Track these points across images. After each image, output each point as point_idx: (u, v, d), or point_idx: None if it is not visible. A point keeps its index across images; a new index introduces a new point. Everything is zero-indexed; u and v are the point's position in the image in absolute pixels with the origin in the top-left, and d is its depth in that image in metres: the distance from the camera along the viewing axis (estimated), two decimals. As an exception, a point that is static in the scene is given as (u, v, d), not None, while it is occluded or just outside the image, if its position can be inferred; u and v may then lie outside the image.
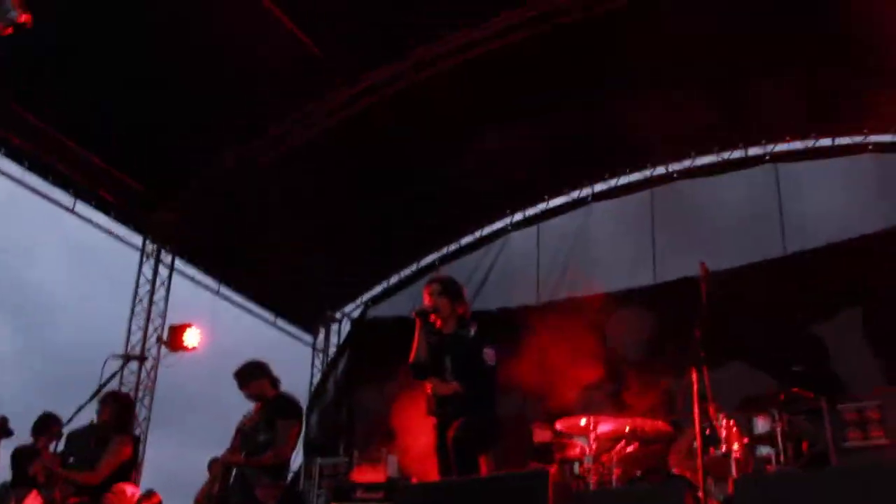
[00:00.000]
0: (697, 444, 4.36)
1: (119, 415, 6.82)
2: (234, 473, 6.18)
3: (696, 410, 4.31)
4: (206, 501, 6.15)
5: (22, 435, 7.73)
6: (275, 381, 6.52)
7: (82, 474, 6.46)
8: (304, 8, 10.27)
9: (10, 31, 3.85)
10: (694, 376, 4.40)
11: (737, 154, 13.10)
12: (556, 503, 3.63)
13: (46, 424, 7.65)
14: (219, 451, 6.45)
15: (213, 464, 6.75)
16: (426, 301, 5.71)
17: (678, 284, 11.34)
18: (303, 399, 15.61)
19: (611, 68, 11.41)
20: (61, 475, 6.41)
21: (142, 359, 11.35)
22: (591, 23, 10.61)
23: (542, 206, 14.77)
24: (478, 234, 15.35)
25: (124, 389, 12.06)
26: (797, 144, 12.70)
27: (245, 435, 6.26)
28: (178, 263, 13.69)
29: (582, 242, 13.89)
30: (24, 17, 3.87)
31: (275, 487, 6.06)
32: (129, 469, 6.89)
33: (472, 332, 5.59)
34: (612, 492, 5.65)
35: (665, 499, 3.81)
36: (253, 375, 6.48)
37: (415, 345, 5.63)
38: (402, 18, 10.59)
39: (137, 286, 12.93)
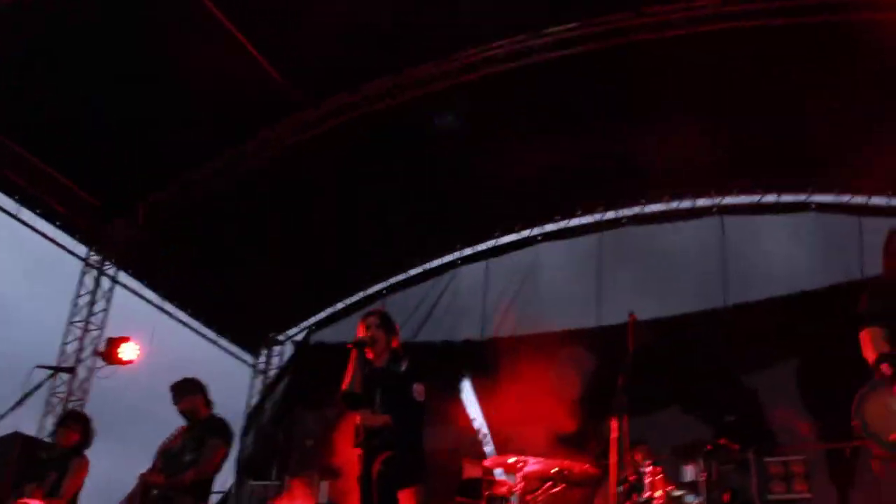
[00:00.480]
0: (611, 490, 4.42)
1: (87, 434, 7.05)
2: (154, 495, 6.10)
3: (612, 457, 4.38)
4: None
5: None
6: (209, 402, 6.53)
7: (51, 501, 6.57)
8: (266, 33, 10.33)
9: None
10: (614, 424, 4.48)
11: (686, 204, 13.36)
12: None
13: None
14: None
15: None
16: (361, 333, 5.74)
17: (620, 329, 11.47)
18: (239, 419, 15.55)
19: (564, 111, 11.62)
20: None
21: (72, 370, 11.14)
22: (549, 63, 10.81)
23: (491, 243, 14.89)
24: (426, 266, 15.42)
25: (53, 401, 11.92)
26: (744, 199, 13.00)
27: (169, 456, 6.20)
28: (123, 277, 13.55)
29: (530, 281, 14.02)
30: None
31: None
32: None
33: (404, 366, 5.60)
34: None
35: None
36: (189, 391, 6.49)
37: (349, 374, 5.64)
38: (359, 52, 10.69)
39: (77, 297, 12.79)
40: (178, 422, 6.55)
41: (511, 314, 13.85)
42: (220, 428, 6.37)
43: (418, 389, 5.48)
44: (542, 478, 7.32)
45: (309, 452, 13.05)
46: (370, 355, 5.70)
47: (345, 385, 5.63)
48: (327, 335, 15.84)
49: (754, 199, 12.95)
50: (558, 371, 11.89)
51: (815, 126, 10.66)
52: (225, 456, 6.32)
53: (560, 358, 12.06)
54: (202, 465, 6.08)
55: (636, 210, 13.73)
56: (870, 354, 4.30)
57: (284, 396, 15.67)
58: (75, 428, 7.08)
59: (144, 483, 6.09)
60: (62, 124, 10.97)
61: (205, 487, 6.26)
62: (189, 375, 6.64)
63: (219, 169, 12.34)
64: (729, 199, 13.09)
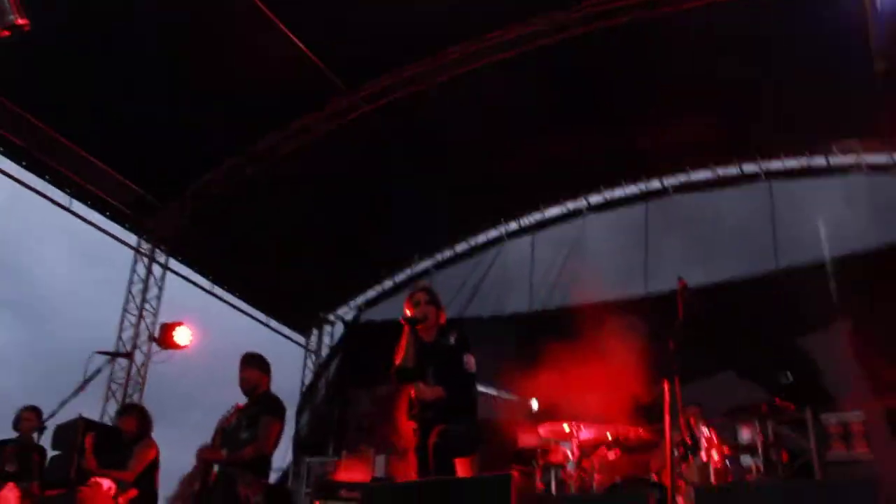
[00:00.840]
0: (667, 452, 4.45)
1: (141, 423, 7.48)
2: (216, 472, 6.22)
3: (666, 420, 4.41)
4: (183, 501, 6.24)
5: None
6: (269, 382, 6.61)
7: (119, 472, 7.04)
8: (305, 20, 10.40)
9: (6, 34, 3.91)
10: (666, 387, 4.51)
11: (732, 170, 13.22)
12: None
13: (24, 418, 7.71)
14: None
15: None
16: (408, 310, 5.83)
17: (669, 296, 11.44)
18: (294, 399, 15.78)
19: (610, 84, 11.56)
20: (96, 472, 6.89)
21: (130, 355, 11.39)
22: (589, 38, 10.75)
23: (537, 216, 14.90)
24: (472, 241, 15.48)
25: (112, 387, 12.22)
26: (792, 163, 12.83)
27: (226, 434, 6.31)
28: (173, 263, 13.81)
29: (576, 252, 14.01)
30: (21, 21, 3.93)
31: (258, 484, 6.10)
32: (155, 468, 7.38)
33: (453, 339, 5.68)
34: (574, 498, 5.73)
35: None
36: (258, 364, 6.57)
37: (402, 349, 5.72)
38: (399, 31, 10.70)
39: (131, 284, 13.06)
40: (231, 405, 6.68)
41: (558, 286, 13.88)
42: (273, 405, 6.43)
43: (469, 360, 5.56)
44: (596, 444, 7.40)
45: (364, 428, 13.25)
46: (420, 331, 5.78)
47: (398, 360, 5.72)
48: (377, 313, 16.02)
49: (802, 162, 12.75)
50: (608, 339, 11.94)
51: (862, 84, 10.47)
52: (280, 432, 6.37)
53: (610, 327, 12.09)
54: (260, 442, 6.17)
55: (682, 179, 13.61)
56: None
57: (337, 375, 15.88)
58: (131, 417, 7.55)
59: (205, 460, 6.19)
60: (108, 116, 11.20)
61: (264, 463, 6.33)
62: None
63: (262, 153, 12.47)
64: (776, 164, 12.91)
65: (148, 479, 7.26)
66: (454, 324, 5.96)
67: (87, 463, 6.93)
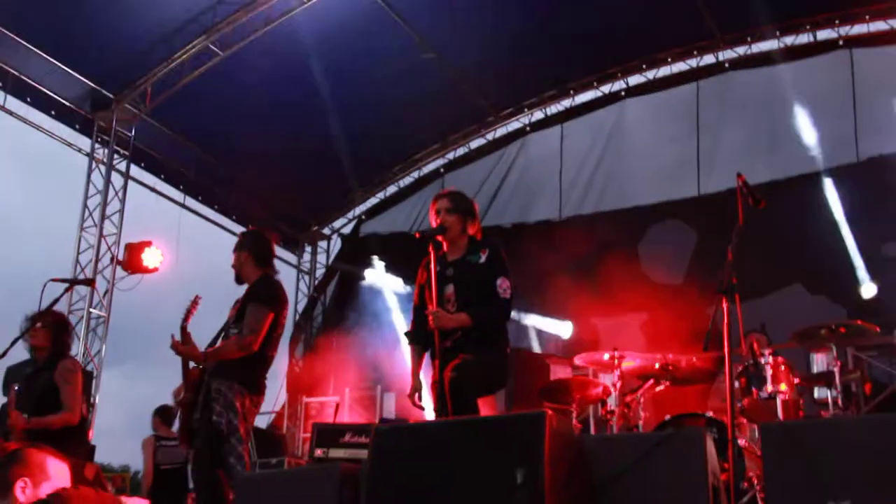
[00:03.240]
0: (726, 384, 4.46)
1: (56, 337, 6.79)
2: (201, 370, 6.10)
3: (725, 347, 4.40)
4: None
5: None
6: (262, 262, 6.36)
7: (55, 417, 6.47)
8: None
9: None
10: (724, 306, 4.48)
11: (803, 38, 12.97)
12: (554, 452, 3.69)
13: None
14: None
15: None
16: (433, 220, 5.75)
17: (725, 196, 11.36)
18: (286, 329, 15.95)
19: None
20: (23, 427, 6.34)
21: (90, 282, 11.40)
22: None
23: (566, 103, 14.74)
24: (489, 136, 15.41)
25: (72, 319, 12.27)
26: (881, 25, 12.49)
27: (222, 333, 6.26)
28: (136, 171, 13.76)
29: (614, 146, 13.91)
30: None
31: (242, 399, 5.93)
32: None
33: (484, 257, 5.63)
34: (619, 438, 5.75)
35: (681, 448, 3.91)
36: (246, 244, 6.42)
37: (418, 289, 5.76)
38: None
39: (87, 198, 13.00)
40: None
41: (593, 187, 13.83)
42: (262, 290, 6.22)
43: (503, 284, 5.51)
44: (643, 375, 7.42)
45: (369, 361, 13.39)
46: (445, 246, 5.74)
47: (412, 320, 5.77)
48: (380, 225, 16.11)
49: (892, 24, 12.42)
50: (653, 251, 11.96)
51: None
52: (274, 325, 6.13)
53: (654, 235, 12.11)
54: (245, 336, 5.96)
55: (741, 51, 13.38)
56: None
57: (336, 299, 16.03)
58: (40, 329, 6.75)
59: (178, 354, 6.05)
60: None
61: (255, 367, 6.10)
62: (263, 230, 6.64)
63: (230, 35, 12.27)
64: (860, 28, 12.60)
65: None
66: (487, 237, 5.87)
67: (12, 421, 6.37)
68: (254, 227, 6.55)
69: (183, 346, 6.00)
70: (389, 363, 12.34)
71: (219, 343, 6.16)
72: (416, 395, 5.69)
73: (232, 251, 6.42)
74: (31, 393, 6.55)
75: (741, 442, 6.08)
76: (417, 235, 5.69)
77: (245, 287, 6.33)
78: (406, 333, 5.96)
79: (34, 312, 6.58)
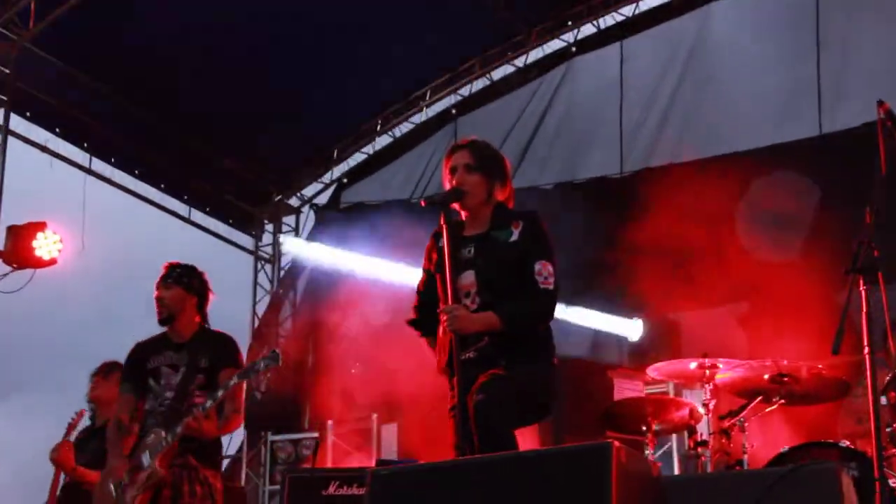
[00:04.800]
0: (870, 400, 4.42)
1: None
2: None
3: (865, 346, 4.36)
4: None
5: None
6: (203, 309, 6.78)
7: None
8: None
9: None
10: (861, 289, 4.44)
11: None
12: (624, 499, 3.70)
13: None
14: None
15: None
16: (446, 181, 5.72)
17: (859, 134, 11.32)
18: (242, 336, 15.94)
19: None
20: None
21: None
22: None
23: (627, 10, 14.64)
24: (520, 61, 15.34)
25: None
26: None
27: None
28: (18, 124, 13.73)
29: (696, 67, 13.81)
30: None
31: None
32: None
33: (516, 233, 5.54)
34: (716, 479, 5.70)
35: (807, 491, 3.89)
36: (187, 284, 6.68)
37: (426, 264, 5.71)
38: None
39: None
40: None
41: (667, 129, 13.77)
42: (235, 355, 6.71)
43: (544, 270, 5.42)
44: (746, 391, 7.38)
45: (358, 380, 13.38)
46: (463, 216, 5.68)
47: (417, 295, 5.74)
48: (368, 190, 16.13)
49: None
50: (757, 215, 11.88)
51: None
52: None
53: (758, 194, 12.02)
54: (230, 415, 6.51)
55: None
56: None
57: (309, 294, 16.04)
58: None
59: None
60: None
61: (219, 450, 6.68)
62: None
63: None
64: None
65: None
66: (521, 208, 5.79)
67: None
68: (179, 262, 6.71)
69: (196, 423, 6.22)
70: (388, 382, 12.29)
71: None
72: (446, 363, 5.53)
73: (162, 284, 6.64)
74: None
75: (893, 482, 6.04)
76: (423, 203, 5.63)
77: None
78: (410, 322, 5.87)
79: None
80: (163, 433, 6.22)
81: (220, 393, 6.24)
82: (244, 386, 6.49)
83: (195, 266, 6.86)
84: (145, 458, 6.24)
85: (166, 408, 6.40)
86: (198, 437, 6.26)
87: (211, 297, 6.83)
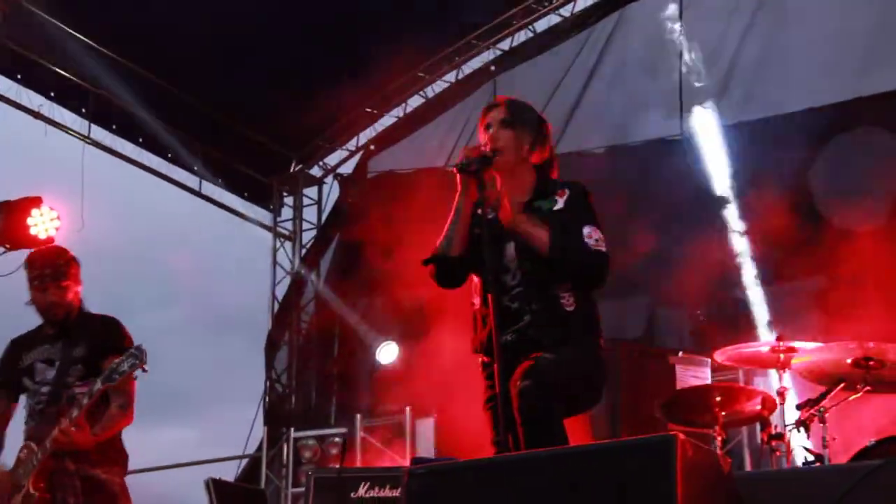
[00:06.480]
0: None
1: None
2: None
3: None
4: None
5: None
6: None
7: None
8: None
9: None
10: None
11: None
12: (690, 497, 3.63)
13: None
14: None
15: None
16: (481, 139, 5.64)
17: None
18: (261, 326, 15.98)
19: None
20: None
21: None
22: None
23: (687, -50, 14.52)
24: (565, 10, 15.23)
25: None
26: None
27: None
28: (9, 88, 13.77)
29: (767, 16, 13.60)
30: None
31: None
32: None
33: (561, 202, 5.55)
34: (794, 476, 5.64)
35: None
36: (75, 276, 6.83)
37: (448, 224, 5.61)
38: None
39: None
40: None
41: (734, 82, 13.66)
42: (121, 338, 6.72)
43: (593, 234, 5.41)
44: (827, 377, 7.32)
45: (390, 370, 13.38)
46: (496, 182, 5.64)
47: (439, 242, 5.63)
48: (399, 158, 16.11)
49: None
50: (836, 178, 11.81)
51: None
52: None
53: (838, 153, 11.94)
54: (125, 406, 6.56)
55: None
56: None
57: (336, 273, 16.05)
58: None
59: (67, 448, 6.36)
60: None
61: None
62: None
63: None
64: None
65: None
66: (572, 182, 5.72)
67: None
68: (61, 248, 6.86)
69: (64, 436, 6.22)
70: (424, 371, 12.30)
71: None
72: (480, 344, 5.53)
73: (54, 286, 6.72)
74: None
75: None
76: (455, 171, 5.56)
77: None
78: (433, 258, 5.66)
79: None
80: (34, 447, 6.29)
81: (85, 401, 6.23)
82: (133, 376, 6.35)
83: (64, 248, 7.06)
84: (22, 478, 6.31)
85: (43, 405, 6.52)
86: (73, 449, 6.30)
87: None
